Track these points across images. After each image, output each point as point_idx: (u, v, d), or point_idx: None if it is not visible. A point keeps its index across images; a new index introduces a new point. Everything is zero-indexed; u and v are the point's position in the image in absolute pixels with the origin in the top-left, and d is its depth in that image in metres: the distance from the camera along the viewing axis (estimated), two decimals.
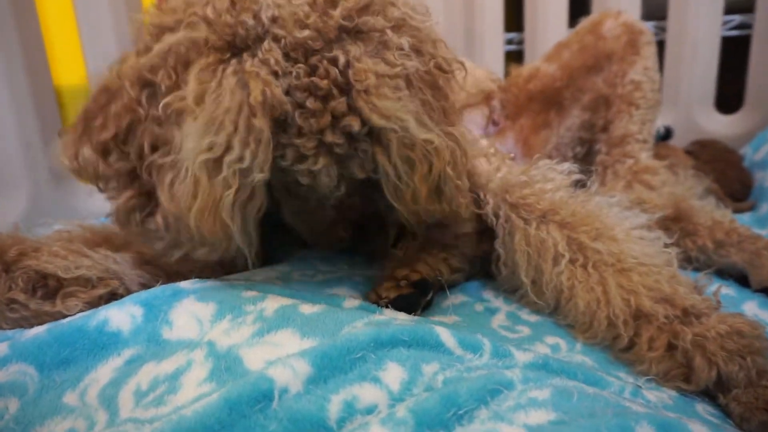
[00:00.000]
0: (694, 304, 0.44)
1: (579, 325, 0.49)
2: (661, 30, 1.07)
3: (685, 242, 0.65)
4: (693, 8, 1.02)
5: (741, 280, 0.62)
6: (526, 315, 0.53)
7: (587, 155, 0.85)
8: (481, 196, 0.56)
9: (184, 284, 0.46)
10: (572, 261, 0.50)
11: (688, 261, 0.65)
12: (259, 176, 0.40)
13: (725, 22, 1.05)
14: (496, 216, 0.55)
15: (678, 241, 0.66)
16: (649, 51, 0.76)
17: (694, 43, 1.04)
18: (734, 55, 1.07)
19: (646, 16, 1.05)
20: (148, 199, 0.46)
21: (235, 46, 0.40)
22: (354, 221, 0.54)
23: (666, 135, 0.96)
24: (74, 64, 0.79)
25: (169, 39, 0.42)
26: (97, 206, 0.79)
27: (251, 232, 0.44)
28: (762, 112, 1.04)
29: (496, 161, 0.59)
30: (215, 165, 0.40)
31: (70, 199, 0.77)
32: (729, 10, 1.04)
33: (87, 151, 0.47)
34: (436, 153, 0.43)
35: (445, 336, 0.41)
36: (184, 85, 0.41)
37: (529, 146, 0.87)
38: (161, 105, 0.42)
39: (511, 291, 0.56)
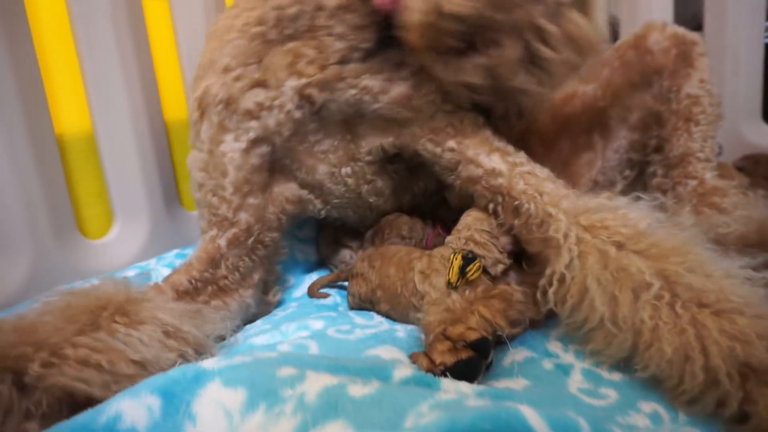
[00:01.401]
0: None
1: (665, 378, 0.40)
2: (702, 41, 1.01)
3: None
4: (731, 16, 0.96)
5: None
6: (606, 373, 0.44)
7: (638, 178, 0.78)
8: (552, 212, 0.50)
9: (207, 364, 0.38)
10: (658, 296, 0.41)
11: None
12: None
13: (766, 29, 0.98)
14: (566, 237, 0.48)
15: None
16: (704, 63, 0.69)
17: (735, 53, 0.97)
18: None
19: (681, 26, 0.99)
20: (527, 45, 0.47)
21: None
22: None
23: (718, 152, 0.88)
24: (77, 111, 0.74)
25: None
26: (103, 264, 0.73)
27: None
28: None
29: (562, 187, 0.53)
30: None
31: (77, 260, 0.70)
32: None
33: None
34: None
35: (534, 420, 0.33)
36: None
37: (570, 170, 0.79)
38: None
39: (576, 327, 0.47)
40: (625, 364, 0.44)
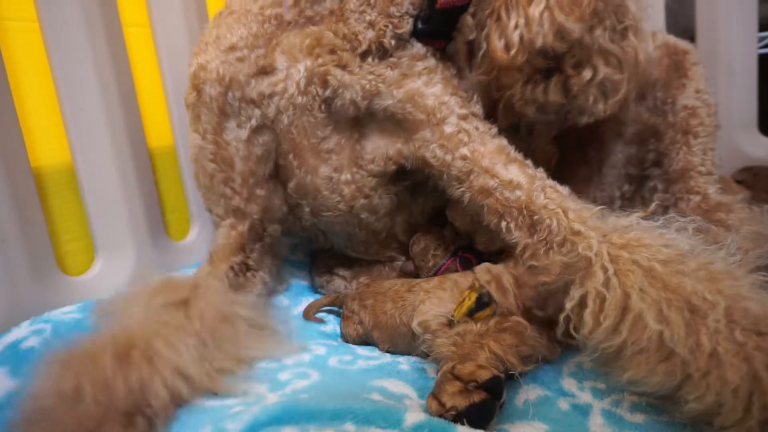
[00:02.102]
0: None
1: (726, 411, 0.34)
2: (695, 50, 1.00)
3: None
4: (724, 26, 0.95)
5: None
6: (628, 414, 0.41)
7: (637, 193, 0.75)
8: (580, 229, 0.46)
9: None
10: (716, 320, 0.37)
11: None
12: None
13: (760, 39, 0.97)
14: (598, 254, 0.43)
15: None
16: (698, 72, 0.68)
17: (728, 64, 0.96)
18: None
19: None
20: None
21: None
22: None
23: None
24: (55, 142, 0.72)
25: None
26: (80, 298, 0.70)
27: None
28: None
29: (588, 204, 0.50)
30: None
31: (57, 298, 0.67)
32: (763, 27, 0.97)
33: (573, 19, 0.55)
34: None
35: None
36: None
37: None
38: None
39: (613, 352, 0.41)
40: (648, 403, 0.40)
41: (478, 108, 0.58)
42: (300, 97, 0.57)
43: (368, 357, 0.55)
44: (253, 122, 0.59)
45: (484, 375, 0.40)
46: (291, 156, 0.61)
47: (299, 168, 0.62)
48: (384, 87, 0.56)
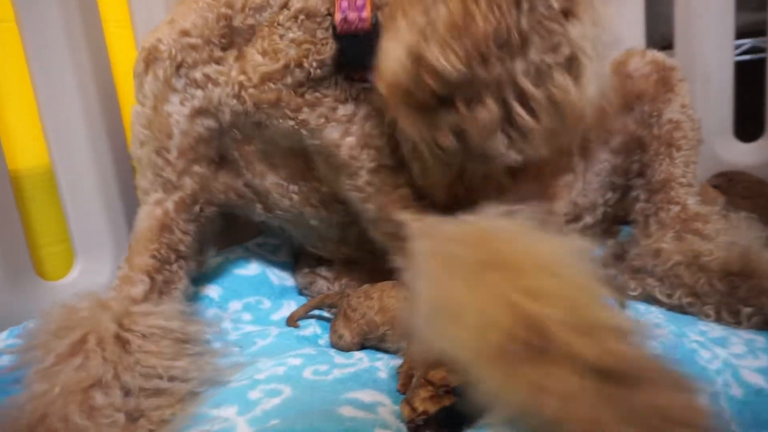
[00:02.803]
0: None
1: None
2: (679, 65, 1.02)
3: (761, 301, 0.56)
4: (701, 35, 0.97)
5: None
6: None
7: (620, 202, 0.77)
8: None
9: None
10: None
11: (766, 323, 0.56)
12: None
13: (736, 47, 1.00)
14: None
15: (753, 301, 0.57)
16: (684, 88, 0.69)
17: (705, 72, 0.98)
18: (749, 80, 1.01)
19: (651, 46, 1.00)
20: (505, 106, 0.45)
21: None
22: None
23: None
24: (33, 144, 0.70)
25: None
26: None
27: None
28: None
29: None
30: None
31: (35, 303, 0.65)
32: (740, 35, 0.99)
33: (456, 46, 0.43)
34: None
35: None
36: None
37: (550, 191, 0.78)
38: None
39: None
40: None
41: (387, 159, 0.59)
42: (236, 105, 0.58)
43: (344, 365, 0.55)
44: (196, 103, 0.59)
45: (456, 380, 0.41)
46: (237, 155, 0.62)
47: (247, 169, 0.63)
48: (305, 132, 0.58)
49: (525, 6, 0.43)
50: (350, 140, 0.58)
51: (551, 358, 0.30)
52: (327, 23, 0.55)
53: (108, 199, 0.73)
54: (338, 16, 0.53)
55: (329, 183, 0.63)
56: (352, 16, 0.52)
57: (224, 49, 0.58)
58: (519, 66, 0.44)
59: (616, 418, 0.27)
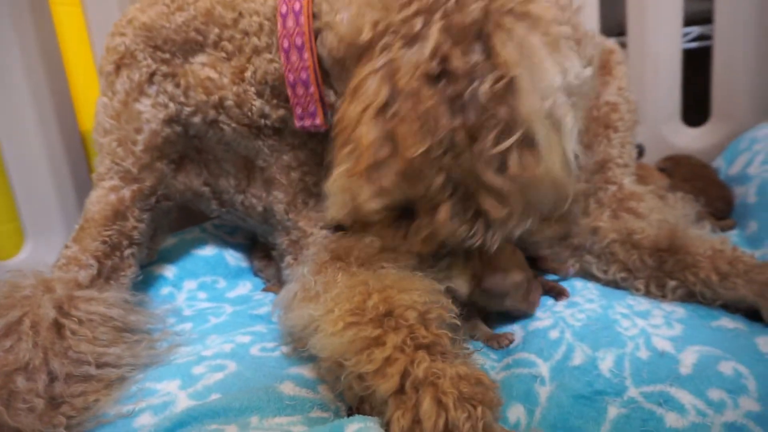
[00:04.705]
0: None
1: None
2: (622, 46, 1.04)
3: (685, 275, 0.59)
4: (652, 22, 1.00)
5: (751, 313, 0.56)
6: None
7: None
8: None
9: None
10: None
11: (690, 296, 0.59)
12: None
13: (685, 35, 1.03)
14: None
15: (677, 275, 0.60)
16: (622, 71, 0.71)
17: (655, 58, 1.01)
18: (696, 67, 1.05)
19: (605, 33, 1.02)
20: (467, 203, 0.47)
21: None
22: None
23: (639, 153, 0.92)
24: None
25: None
26: None
27: None
28: (729, 123, 1.02)
29: None
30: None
31: None
32: (688, 22, 1.02)
33: (383, 180, 0.45)
34: None
35: None
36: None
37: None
38: (485, 85, 0.42)
39: None
40: None
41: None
42: (197, 120, 0.61)
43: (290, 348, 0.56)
44: (165, 114, 0.61)
45: None
46: (197, 156, 0.65)
47: (206, 170, 0.66)
48: (261, 162, 0.63)
49: (461, 105, 0.43)
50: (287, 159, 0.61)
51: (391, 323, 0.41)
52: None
53: (58, 178, 0.73)
54: (297, 123, 0.58)
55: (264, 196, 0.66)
56: (308, 123, 0.57)
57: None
58: (473, 162, 0.44)
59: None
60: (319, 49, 0.53)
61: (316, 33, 0.53)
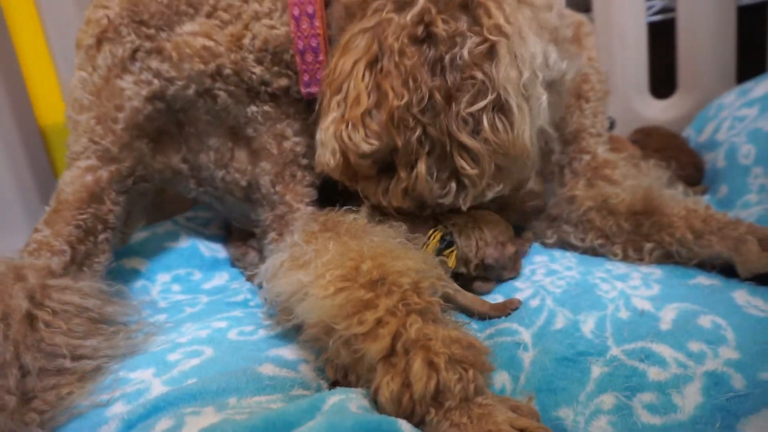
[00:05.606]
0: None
1: None
2: (589, 21, 1.05)
3: (661, 236, 0.60)
4: None
5: (726, 269, 0.57)
6: None
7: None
8: None
9: None
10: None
11: (667, 257, 0.60)
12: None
13: (648, 8, 1.04)
14: None
15: (654, 237, 0.60)
16: (591, 41, 0.72)
17: (621, 32, 1.02)
18: (663, 40, 1.06)
19: (572, 7, 1.03)
20: (443, 163, 0.51)
21: None
22: None
23: (610, 126, 0.93)
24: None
25: None
26: None
27: None
28: (696, 93, 1.03)
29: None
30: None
31: None
32: None
33: (374, 125, 0.48)
34: None
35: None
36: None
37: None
38: (465, 50, 0.47)
39: None
40: None
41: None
42: (189, 92, 0.59)
43: (270, 325, 0.54)
44: (149, 90, 0.58)
45: None
46: (178, 132, 0.63)
47: (185, 146, 0.64)
48: (250, 131, 0.61)
49: (441, 68, 0.48)
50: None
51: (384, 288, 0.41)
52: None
53: (18, 174, 0.71)
54: (303, 89, 0.58)
55: (249, 171, 0.64)
56: (315, 89, 0.58)
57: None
58: (449, 121, 0.49)
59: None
60: (327, 18, 0.55)
61: (326, 3, 0.56)
